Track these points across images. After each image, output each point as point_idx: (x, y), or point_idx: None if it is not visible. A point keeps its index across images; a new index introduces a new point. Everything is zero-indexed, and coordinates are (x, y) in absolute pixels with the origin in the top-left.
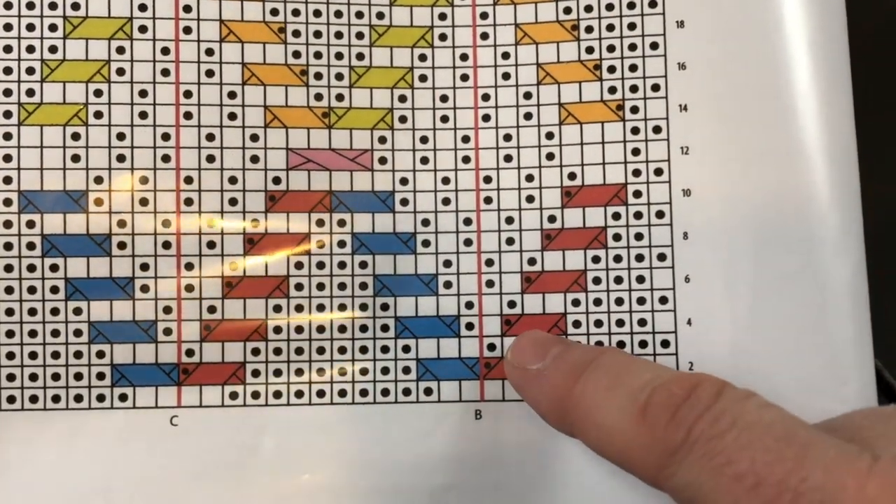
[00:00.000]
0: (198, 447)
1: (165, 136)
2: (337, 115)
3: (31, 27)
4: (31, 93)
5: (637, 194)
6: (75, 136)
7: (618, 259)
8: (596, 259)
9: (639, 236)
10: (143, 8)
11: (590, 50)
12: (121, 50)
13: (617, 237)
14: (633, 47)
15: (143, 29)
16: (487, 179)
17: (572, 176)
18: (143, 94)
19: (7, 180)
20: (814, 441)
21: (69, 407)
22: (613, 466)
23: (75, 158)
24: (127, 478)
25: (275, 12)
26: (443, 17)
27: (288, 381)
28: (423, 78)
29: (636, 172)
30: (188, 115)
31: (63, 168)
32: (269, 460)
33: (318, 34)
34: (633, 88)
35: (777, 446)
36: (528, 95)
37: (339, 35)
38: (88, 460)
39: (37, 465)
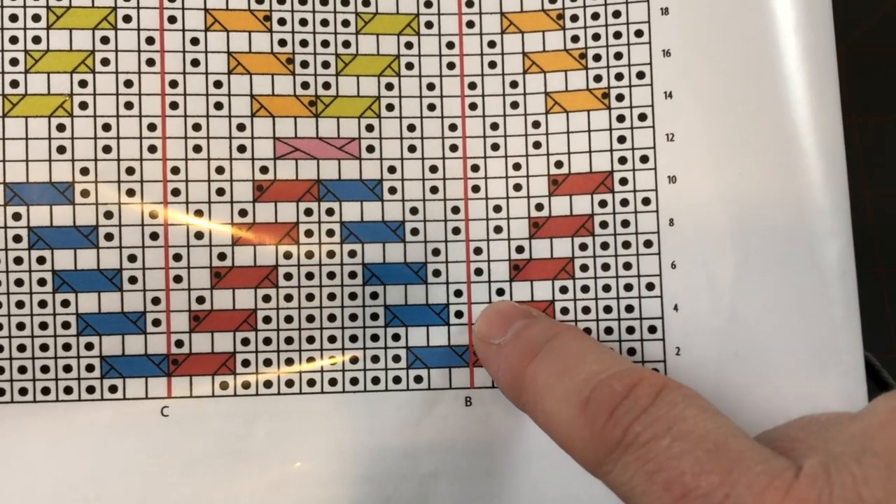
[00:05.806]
0: (189, 437)
1: (151, 127)
2: (324, 103)
3: (14, 17)
4: (15, 84)
5: (623, 182)
6: (60, 128)
7: (605, 246)
8: (583, 246)
9: (625, 223)
10: None
11: (575, 39)
12: (105, 40)
13: (604, 224)
14: (618, 35)
15: (127, 18)
16: (475, 168)
17: (559, 164)
18: (128, 84)
19: None
20: (743, 456)
21: (59, 399)
22: None
23: (61, 150)
24: (118, 469)
25: (260, 0)
26: (428, 4)
27: (278, 371)
28: (409, 66)
29: (622, 160)
30: (174, 105)
31: (49, 160)
32: (260, 450)
33: (303, 22)
34: (619, 76)
35: (706, 458)
36: (514, 84)
37: (324, 23)
38: (79, 452)
39: (27, 457)
